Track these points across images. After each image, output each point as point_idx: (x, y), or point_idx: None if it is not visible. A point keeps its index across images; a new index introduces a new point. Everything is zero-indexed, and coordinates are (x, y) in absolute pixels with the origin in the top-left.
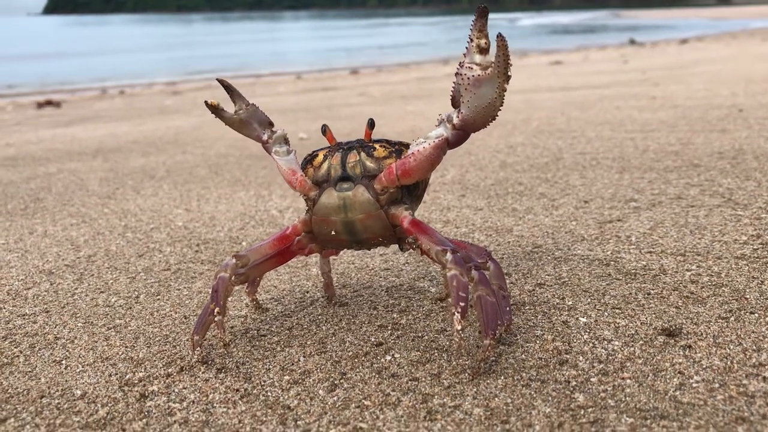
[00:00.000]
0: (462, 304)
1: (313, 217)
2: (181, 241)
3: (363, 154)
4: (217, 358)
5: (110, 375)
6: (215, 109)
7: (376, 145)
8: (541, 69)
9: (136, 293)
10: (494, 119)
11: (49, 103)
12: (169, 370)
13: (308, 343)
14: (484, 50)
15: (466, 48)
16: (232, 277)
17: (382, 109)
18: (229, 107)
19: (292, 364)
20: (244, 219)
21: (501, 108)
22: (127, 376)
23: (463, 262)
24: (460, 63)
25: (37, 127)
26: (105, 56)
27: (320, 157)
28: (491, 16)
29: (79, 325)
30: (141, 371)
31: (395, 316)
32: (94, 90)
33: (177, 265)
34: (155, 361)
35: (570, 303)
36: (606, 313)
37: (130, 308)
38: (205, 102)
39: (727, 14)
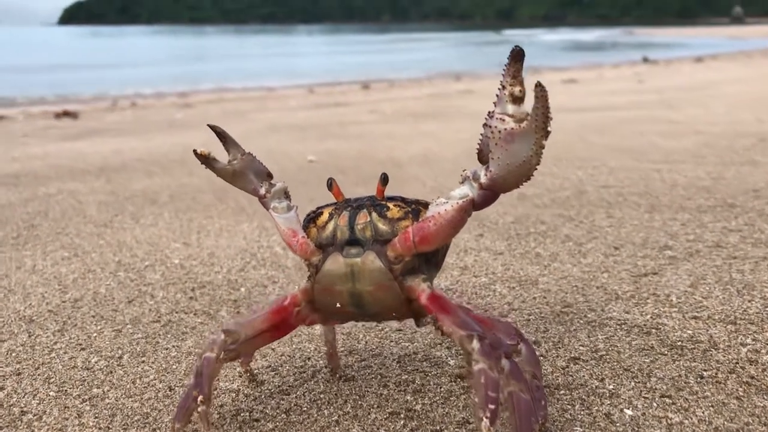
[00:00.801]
0: (492, 406)
1: (316, 286)
2: (176, 284)
3: (374, 215)
4: None
5: None
6: (206, 160)
7: (390, 204)
8: (555, 87)
9: (120, 352)
10: (529, 179)
11: (66, 113)
12: None
13: None
14: (518, 99)
15: (497, 96)
16: (220, 356)
17: (393, 128)
18: (223, 155)
19: None
20: (244, 257)
21: (537, 167)
22: None
23: (492, 351)
24: (489, 113)
25: (45, 140)
26: (118, 68)
27: (325, 215)
28: (507, 33)
29: (51, 394)
30: None
31: (409, 398)
32: (105, 101)
33: (168, 315)
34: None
35: (611, 387)
36: (654, 404)
37: (111, 372)
38: (194, 151)
39: (741, 33)
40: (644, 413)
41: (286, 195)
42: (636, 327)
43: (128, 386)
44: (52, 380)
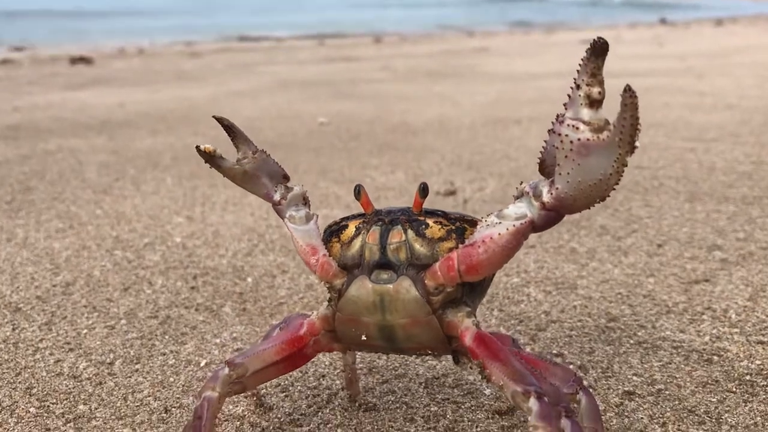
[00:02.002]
0: None
1: (338, 315)
2: (176, 269)
3: (411, 233)
4: None
5: None
6: (211, 158)
7: (430, 221)
8: (573, 48)
9: (112, 356)
10: (603, 200)
11: (82, 59)
12: None
13: None
14: (596, 103)
15: (569, 97)
16: (224, 395)
17: (406, 88)
18: (231, 153)
19: None
20: (252, 239)
21: (615, 187)
22: None
23: (552, 414)
24: (558, 117)
25: (50, 89)
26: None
27: (351, 229)
28: None
29: (32, 411)
30: None
31: None
32: (112, 48)
33: (166, 309)
34: None
35: None
36: None
37: (101, 384)
38: (197, 148)
39: None
40: None
41: (305, 201)
42: (695, 352)
43: (119, 404)
44: (34, 391)
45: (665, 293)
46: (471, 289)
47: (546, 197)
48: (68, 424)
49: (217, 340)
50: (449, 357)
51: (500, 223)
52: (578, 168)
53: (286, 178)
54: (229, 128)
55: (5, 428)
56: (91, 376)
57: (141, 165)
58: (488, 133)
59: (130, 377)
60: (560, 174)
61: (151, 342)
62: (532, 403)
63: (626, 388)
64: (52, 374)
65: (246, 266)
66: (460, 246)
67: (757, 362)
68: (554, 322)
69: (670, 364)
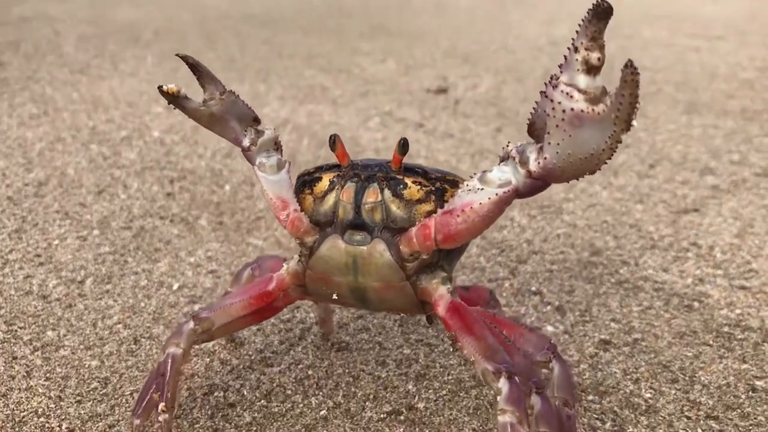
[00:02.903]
0: None
1: (308, 272)
2: (153, 170)
3: (388, 193)
4: None
5: None
6: (174, 98)
7: (408, 180)
8: None
9: (83, 273)
10: (593, 173)
11: None
12: None
13: None
14: (594, 69)
15: (565, 59)
16: (189, 350)
17: None
18: (197, 93)
19: None
20: None
21: (607, 162)
22: None
23: (522, 398)
24: (551, 80)
25: None
26: None
27: (324, 182)
28: None
29: None
30: None
31: (410, 389)
32: None
33: (140, 219)
34: (83, 429)
35: (648, 396)
36: (699, 430)
37: (70, 306)
38: (159, 89)
39: None
40: None
41: (277, 146)
42: (676, 296)
43: (87, 331)
44: (2, 312)
45: (652, 224)
46: (448, 253)
47: (533, 165)
48: (36, 353)
49: (192, 259)
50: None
51: (482, 189)
52: (569, 140)
53: (257, 120)
54: (194, 66)
55: None
56: (60, 296)
57: (121, 40)
58: (487, 14)
59: (100, 299)
60: (549, 143)
61: (124, 258)
62: (502, 383)
63: (603, 336)
64: (21, 293)
65: (225, 170)
66: (439, 211)
67: (737, 311)
68: (536, 253)
69: (650, 309)
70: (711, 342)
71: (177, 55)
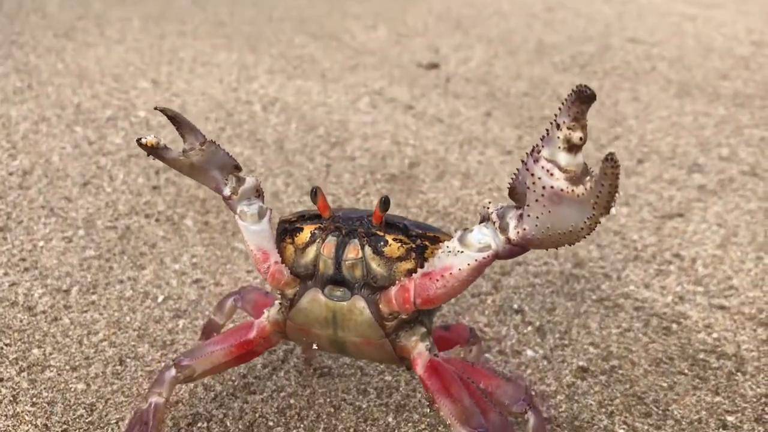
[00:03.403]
0: None
1: (289, 322)
2: (138, 157)
3: (368, 250)
4: None
5: None
6: (154, 150)
7: (389, 237)
8: None
9: (69, 281)
10: (573, 245)
11: None
12: None
13: None
14: (575, 148)
15: (546, 132)
16: (170, 397)
17: None
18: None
19: None
20: (219, 119)
21: (586, 238)
22: None
23: None
24: (532, 151)
25: None
26: None
27: (306, 234)
28: None
29: None
30: None
31: (390, 421)
32: None
33: (126, 217)
34: None
35: None
36: None
37: (56, 320)
38: (138, 141)
39: None
40: None
41: (258, 194)
42: (655, 317)
43: (73, 349)
44: None
45: (636, 230)
46: (428, 309)
47: (512, 234)
48: (22, 374)
49: (176, 266)
50: None
51: (462, 252)
52: (548, 215)
53: (238, 168)
54: (174, 119)
55: None
56: (46, 309)
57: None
58: None
59: (85, 312)
60: (529, 215)
61: (109, 264)
62: None
63: (581, 363)
64: (7, 303)
65: None
66: (419, 271)
67: (714, 335)
68: (519, 264)
69: (629, 331)
70: (686, 371)
71: (156, 108)
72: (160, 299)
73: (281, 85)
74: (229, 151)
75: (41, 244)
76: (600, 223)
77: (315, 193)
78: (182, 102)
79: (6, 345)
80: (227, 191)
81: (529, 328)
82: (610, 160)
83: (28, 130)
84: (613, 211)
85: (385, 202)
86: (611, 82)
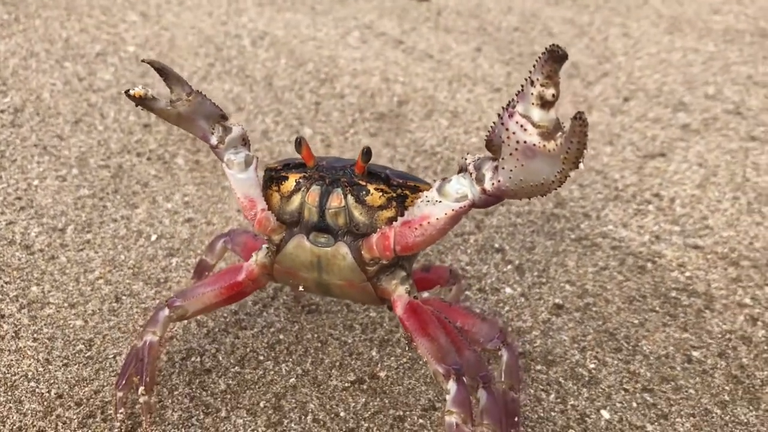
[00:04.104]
0: None
1: (276, 266)
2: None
3: (351, 199)
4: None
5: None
6: (142, 101)
7: (371, 187)
8: None
9: (64, 220)
10: (545, 195)
11: None
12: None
13: (261, 401)
14: (548, 104)
15: (521, 88)
16: (165, 335)
17: None
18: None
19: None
20: (209, 54)
21: (557, 189)
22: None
23: (468, 399)
24: (507, 106)
25: None
26: None
27: (291, 182)
28: None
29: None
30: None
31: (374, 355)
32: None
33: (118, 155)
34: (71, 395)
35: (592, 367)
36: (635, 404)
37: (53, 259)
38: (127, 92)
39: None
40: (621, 418)
41: (244, 142)
42: (631, 256)
43: (71, 287)
44: None
45: (618, 170)
46: (407, 255)
47: (488, 185)
48: (23, 311)
49: (169, 205)
50: None
51: (440, 201)
52: (521, 168)
53: (224, 117)
54: (161, 70)
55: None
56: (43, 247)
57: None
58: None
59: (81, 250)
60: (503, 168)
61: (103, 203)
62: (451, 385)
63: (557, 300)
64: (5, 242)
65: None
66: (399, 219)
67: (686, 274)
68: (502, 204)
69: (605, 270)
70: (658, 308)
71: (143, 60)
72: (153, 238)
73: (270, 18)
74: (219, 89)
75: (36, 182)
76: (570, 177)
77: (299, 143)
78: (171, 36)
79: (6, 283)
80: (214, 140)
81: (509, 266)
82: (579, 119)
83: (17, 65)
84: (581, 166)
85: (366, 153)
86: (602, 16)
